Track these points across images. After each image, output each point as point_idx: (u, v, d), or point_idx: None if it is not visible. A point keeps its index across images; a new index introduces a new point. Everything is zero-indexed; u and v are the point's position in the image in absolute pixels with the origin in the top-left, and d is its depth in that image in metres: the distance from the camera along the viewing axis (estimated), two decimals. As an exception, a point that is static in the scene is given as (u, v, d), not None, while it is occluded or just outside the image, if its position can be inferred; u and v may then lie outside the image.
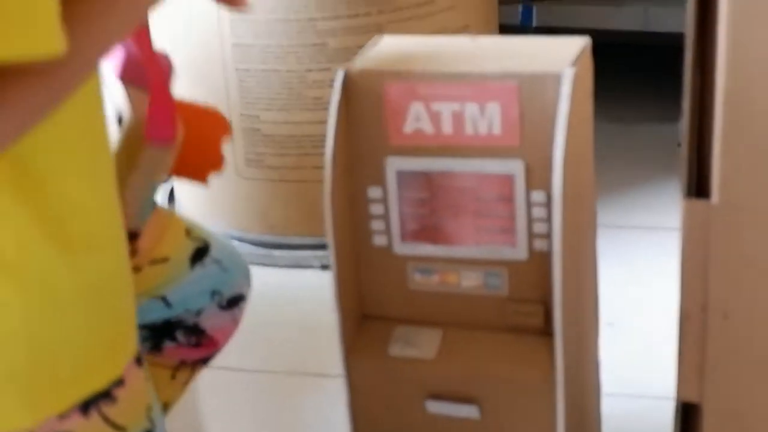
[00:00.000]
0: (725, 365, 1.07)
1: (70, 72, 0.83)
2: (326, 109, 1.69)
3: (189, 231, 1.35)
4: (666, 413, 1.17)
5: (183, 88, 1.89)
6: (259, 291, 1.68)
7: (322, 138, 1.66)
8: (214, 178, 1.38)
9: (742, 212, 1.03)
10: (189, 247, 1.34)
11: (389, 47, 1.28)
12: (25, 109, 0.80)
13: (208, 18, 1.83)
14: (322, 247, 1.82)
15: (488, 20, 2.02)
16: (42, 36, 0.75)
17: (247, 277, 1.42)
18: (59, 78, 0.81)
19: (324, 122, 1.67)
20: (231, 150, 1.85)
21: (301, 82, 1.80)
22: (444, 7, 1.84)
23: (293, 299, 1.95)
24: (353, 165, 1.23)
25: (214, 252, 1.33)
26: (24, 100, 0.79)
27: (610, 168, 2.32)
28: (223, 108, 1.79)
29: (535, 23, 2.59)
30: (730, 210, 1.02)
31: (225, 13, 1.83)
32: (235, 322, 1.35)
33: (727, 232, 1.02)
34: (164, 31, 1.93)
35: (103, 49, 0.88)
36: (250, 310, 1.36)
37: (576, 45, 1.19)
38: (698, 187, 1.04)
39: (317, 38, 1.77)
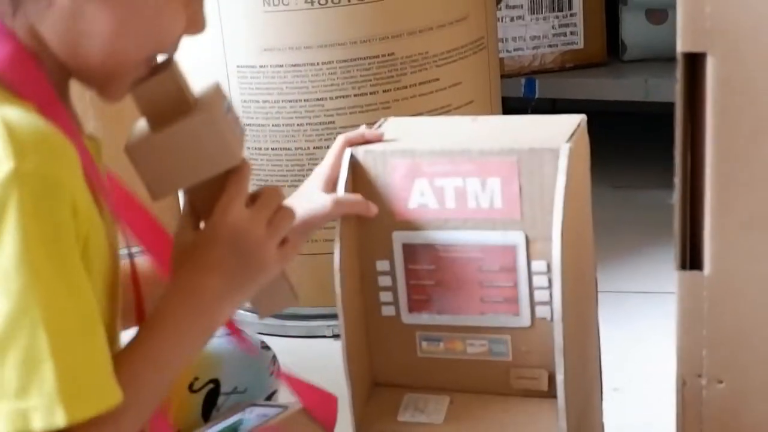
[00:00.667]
0: (723, 430, 1.09)
1: (132, 413, 0.88)
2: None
3: (191, 384, 1.27)
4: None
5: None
6: (273, 359, 1.76)
7: (333, 212, 1.67)
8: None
9: (733, 282, 1.04)
10: (196, 403, 1.28)
11: (394, 127, 1.30)
12: None
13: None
14: (333, 317, 1.87)
15: (492, 95, 2.04)
16: (97, 396, 0.80)
17: (267, 373, 1.35)
18: (123, 422, 0.86)
19: (333, 197, 1.72)
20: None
21: (310, 159, 1.83)
22: (449, 84, 1.87)
23: (306, 367, 1.91)
24: (362, 240, 1.23)
25: (225, 382, 1.26)
26: None
27: (611, 233, 2.28)
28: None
29: (537, 95, 2.61)
30: (722, 280, 1.03)
31: (236, 96, 1.88)
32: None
33: (719, 301, 1.03)
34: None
35: (158, 389, 0.93)
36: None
37: (572, 121, 1.20)
38: (692, 258, 1.04)
39: (325, 117, 1.80)
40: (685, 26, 0.95)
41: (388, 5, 1.81)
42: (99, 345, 0.82)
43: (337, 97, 1.81)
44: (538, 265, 1.12)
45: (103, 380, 0.81)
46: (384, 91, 1.81)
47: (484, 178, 1.12)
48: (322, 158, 1.83)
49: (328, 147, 1.75)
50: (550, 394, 1.15)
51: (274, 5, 1.79)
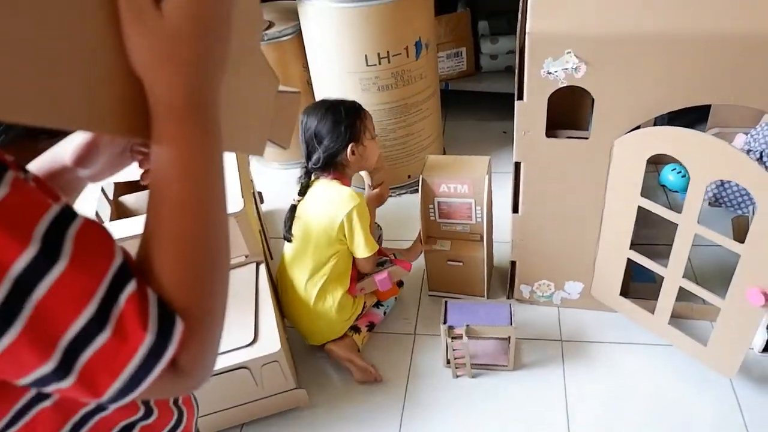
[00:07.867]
0: (528, 217, 2.37)
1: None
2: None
3: None
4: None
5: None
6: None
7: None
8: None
9: (529, 218, 2.39)
10: None
11: (432, 163, 2.54)
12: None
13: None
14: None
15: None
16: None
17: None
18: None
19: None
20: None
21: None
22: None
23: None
24: (424, 198, 2.50)
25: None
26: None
27: (478, 146, 3.78)
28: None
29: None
30: (525, 217, 2.38)
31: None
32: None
33: (524, 224, 2.40)
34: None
35: None
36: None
37: (485, 162, 2.43)
38: (516, 208, 2.34)
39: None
40: (515, 149, 2.06)
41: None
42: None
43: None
44: (478, 208, 2.53)
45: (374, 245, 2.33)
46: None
47: (462, 185, 2.47)
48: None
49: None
50: (481, 240, 2.63)
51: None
